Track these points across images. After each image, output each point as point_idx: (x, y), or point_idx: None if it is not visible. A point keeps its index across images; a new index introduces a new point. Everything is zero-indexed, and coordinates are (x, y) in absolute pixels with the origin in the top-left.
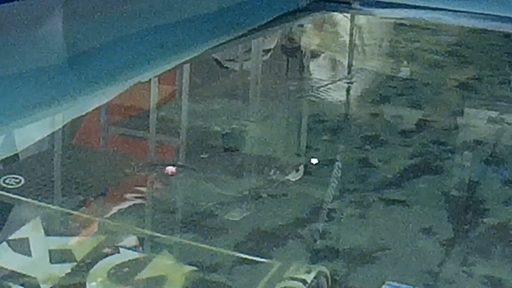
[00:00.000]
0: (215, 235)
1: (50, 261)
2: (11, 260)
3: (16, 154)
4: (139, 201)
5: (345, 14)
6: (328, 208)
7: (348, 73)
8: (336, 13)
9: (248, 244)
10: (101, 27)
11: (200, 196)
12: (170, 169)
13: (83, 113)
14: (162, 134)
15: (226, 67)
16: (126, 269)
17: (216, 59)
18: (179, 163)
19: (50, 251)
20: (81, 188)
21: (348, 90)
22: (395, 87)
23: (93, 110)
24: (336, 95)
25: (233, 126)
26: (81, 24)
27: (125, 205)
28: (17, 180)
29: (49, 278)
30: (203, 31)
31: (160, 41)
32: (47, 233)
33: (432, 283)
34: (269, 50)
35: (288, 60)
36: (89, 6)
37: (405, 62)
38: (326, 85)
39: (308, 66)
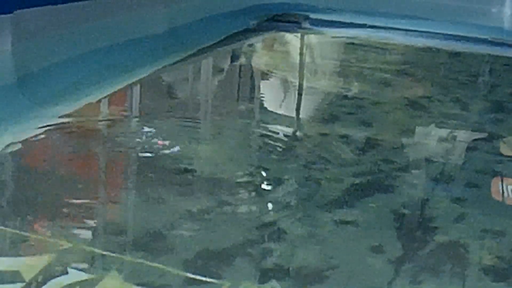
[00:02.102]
0: (165, 254)
1: None
2: None
3: None
4: (88, 221)
5: (295, 33)
6: (278, 227)
7: (298, 92)
8: (286, 32)
9: (197, 264)
10: (50, 48)
11: (150, 216)
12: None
13: (33, 134)
14: (112, 155)
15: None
16: None
17: (165, 80)
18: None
19: None
20: (30, 209)
21: (298, 109)
22: (345, 106)
23: (43, 131)
24: (286, 114)
25: (183, 146)
26: (30, 44)
27: (74, 225)
28: None
29: None
30: (153, 51)
31: (110, 61)
32: None
33: None
34: (219, 70)
35: (238, 80)
36: (38, 26)
37: (355, 81)
38: (276, 104)
39: (258, 86)
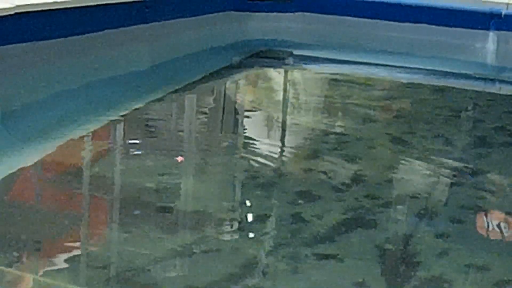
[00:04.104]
0: None
1: None
2: None
3: None
4: (72, 257)
5: (278, 70)
6: (262, 263)
7: (282, 128)
8: (270, 68)
9: None
10: (34, 84)
11: (134, 252)
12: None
13: (16, 170)
14: (96, 191)
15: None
16: None
17: (148, 117)
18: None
19: None
20: (12, 245)
21: (281, 145)
22: (329, 142)
23: (26, 167)
24: (269, 150)
25: (166, 182)
26: (13, 80)
27: (58, 261)
28: None
29: None
30: (136, 87)
31: (93, 97)
32: None
33: None
34: (203, 107)
35: (221, 117)
36: (21, 62)
37: (338, 117)
38: (260, 141)
39: (241, 122)
